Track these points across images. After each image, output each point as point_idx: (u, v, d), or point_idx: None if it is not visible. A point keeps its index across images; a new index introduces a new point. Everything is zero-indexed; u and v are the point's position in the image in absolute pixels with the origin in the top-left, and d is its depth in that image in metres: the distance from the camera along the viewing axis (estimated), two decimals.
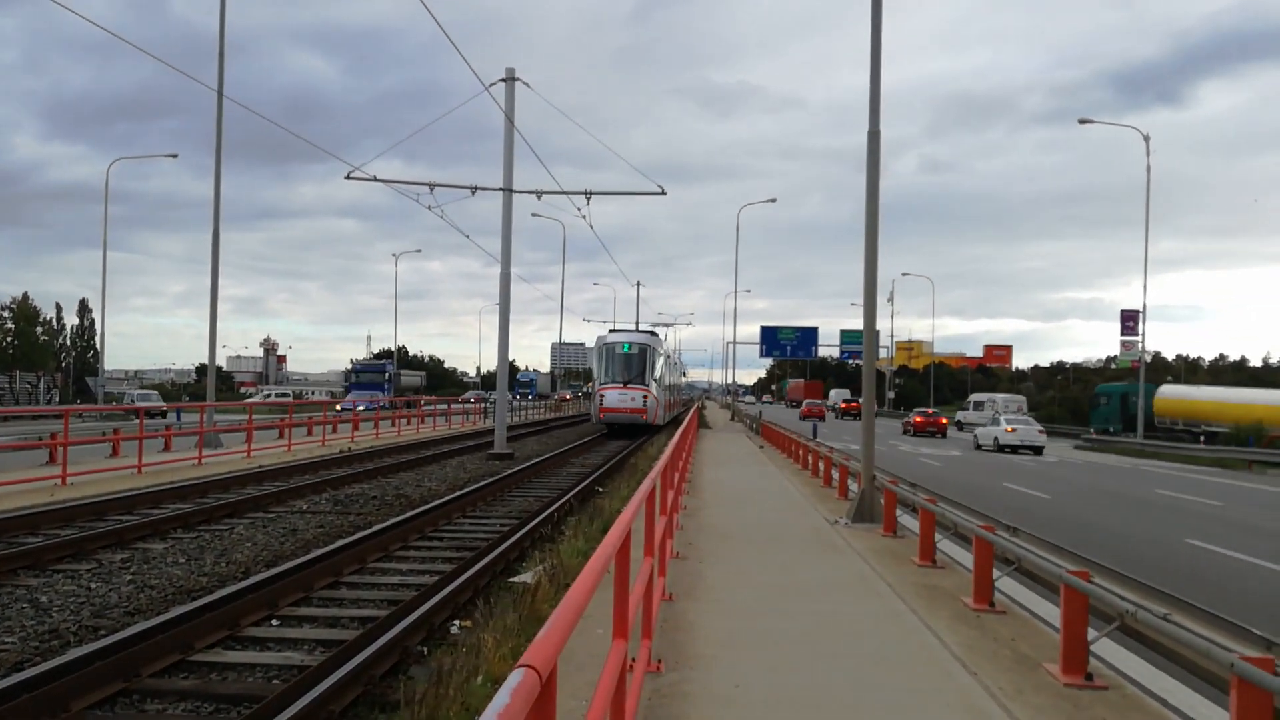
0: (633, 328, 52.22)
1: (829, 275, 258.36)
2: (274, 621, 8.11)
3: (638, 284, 77.63)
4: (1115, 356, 73.07)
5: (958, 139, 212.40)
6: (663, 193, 28.06)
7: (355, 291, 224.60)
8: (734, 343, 69.95)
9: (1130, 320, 50.64)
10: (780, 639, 7.37)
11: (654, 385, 38.64)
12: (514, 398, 59.83)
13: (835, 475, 18.85)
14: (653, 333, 43.99)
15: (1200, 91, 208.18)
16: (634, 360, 38.37)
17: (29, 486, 15.73)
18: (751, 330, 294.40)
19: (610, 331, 42.93)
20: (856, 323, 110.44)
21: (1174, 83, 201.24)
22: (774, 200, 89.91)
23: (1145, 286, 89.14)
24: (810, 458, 23.02)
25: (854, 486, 16.44)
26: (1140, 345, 50.24)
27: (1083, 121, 47.13)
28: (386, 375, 69.71)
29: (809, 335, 67.77)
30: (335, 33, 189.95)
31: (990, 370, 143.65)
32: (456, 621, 8.17)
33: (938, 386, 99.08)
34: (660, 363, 40.65)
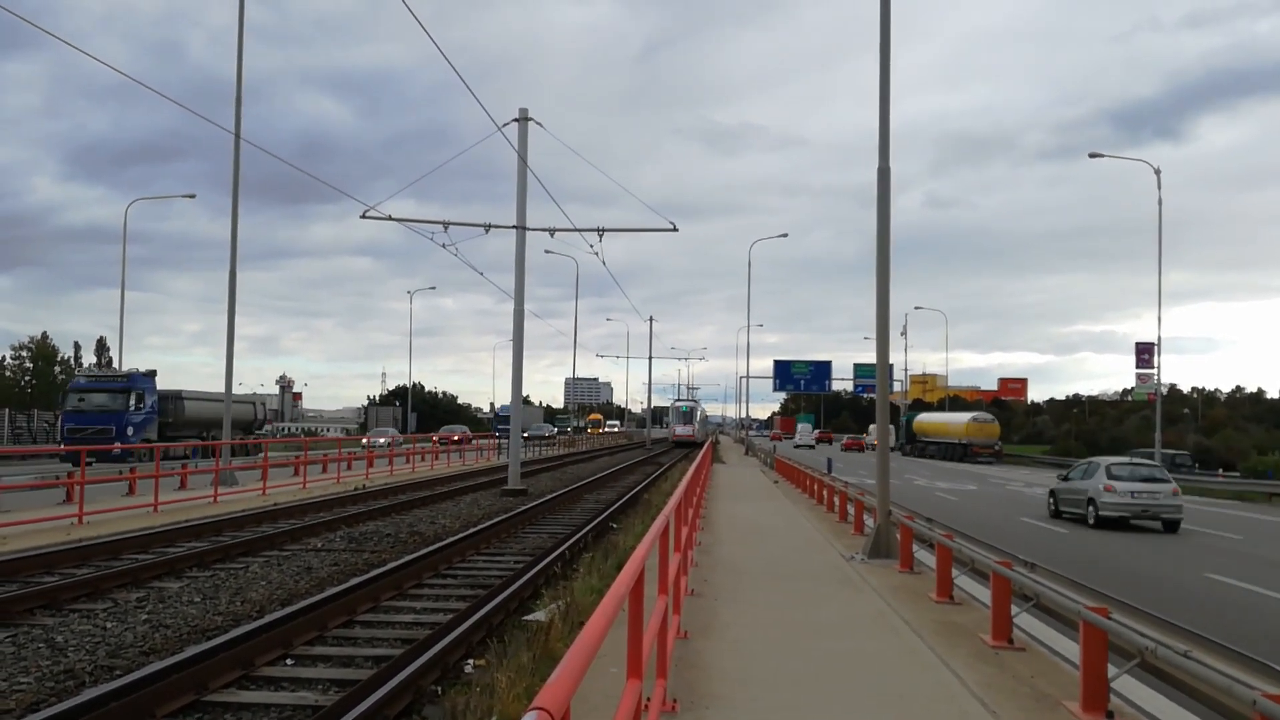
0: (686, 397, 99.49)
1: (838, 309, 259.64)
2: (288, 661, 8.10)
3: (650, 319, 78.02)
4: (1131, 389, 72.60)
5: (960, 175, 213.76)
6: (674, 229, 28.19)
7: (369, 329, 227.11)
8: (747, 377, 69.92)
9: (1145, 353, 50.37)
10: (797, 677, 7.31)
11: (696, 424, 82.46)
12: (495, 435, 59.08)
13: (851, 510, 18.74)
14: (695, 400, 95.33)
15: (1200, 128, 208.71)
16: (688, 413, 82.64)
17: (46, 525, 15.80)
18: (765, 364, 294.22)
19: (676, 400, 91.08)
20: (869, 357, 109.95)
21: (1172, 119, 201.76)
22: (785, 235, 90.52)
23: (1160, 319, 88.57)
24: (825, 492, 22.90)
25: (870, 522, 16.34)
26: (1156, 378, 49.94)
27: (1093, 156, 47.22)
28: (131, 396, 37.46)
29: (822, 369, 67.72)
30: (347, 76, 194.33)
31: (1005, 404, 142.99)
32: (470, 660, 8.13)
33: None
34: (698, 413, 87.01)
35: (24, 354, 70.23)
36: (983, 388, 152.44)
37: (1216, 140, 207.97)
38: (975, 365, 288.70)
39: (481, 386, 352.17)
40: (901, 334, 79.87)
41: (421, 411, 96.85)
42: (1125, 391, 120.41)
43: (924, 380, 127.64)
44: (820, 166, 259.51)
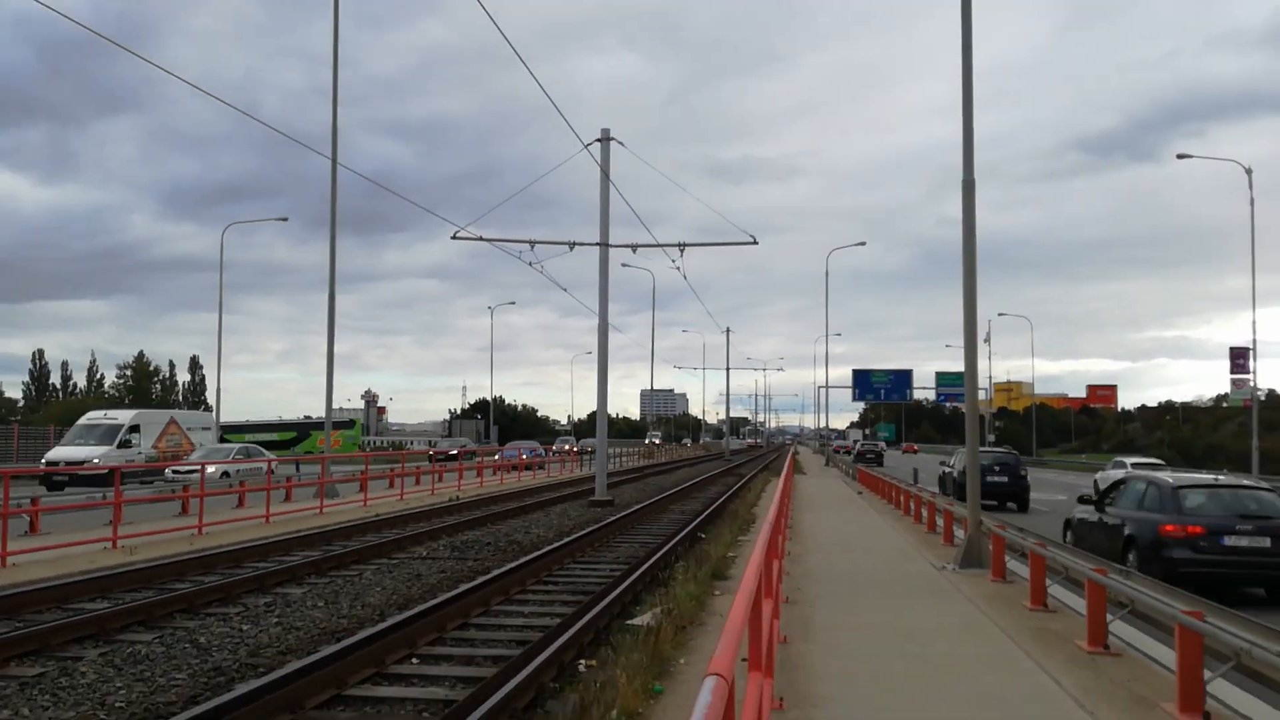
0: (744, 415, 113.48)
1: (899, 319, 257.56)
2: (414, 660, 8.69)
3: (727, 330, 78.21)
4: (1226, 394, 70.35)
5: (996, 189, 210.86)
6: (755, 242, 28.58)
7: (443, 345, 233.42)
8: (826, 387, 69.69)
9: (1240, 358, 48.91)
10: (896, 679, 7.63)
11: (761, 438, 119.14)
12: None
13: (939, 521, 18.84)
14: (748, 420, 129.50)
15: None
16: (754, 430, 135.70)
17: (170, 536, 16.85)
18: (838, 374, 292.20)
19: (735, 419, 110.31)
20: (941, 364, 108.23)
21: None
22: (863, 244, 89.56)
23: (1254, 322, 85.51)
24: (912, 503, 22.96)
25: (960, 532, 16.45)
26: (1252, 383, 48.49)
27: (1181, 156, 46.23)
28: None
29: (903, 378, 67.04)
30: (408, 124, 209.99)
31: (1094, 411, 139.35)
32: (582, 660, 8.62)
33: (1040, 428, 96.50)
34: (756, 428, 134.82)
35: (127, 373, 73.49)
36: (1069, 395, 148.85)
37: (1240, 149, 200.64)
38: (1049, 372, 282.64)
39: (556, 399, 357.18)
40: (985, 341, 78.75)
41: (502, 424, 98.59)
42: (1220, 397, 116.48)
43: (1009, 388, 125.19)
44: (852, 189, 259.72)
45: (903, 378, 67.54)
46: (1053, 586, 11.06)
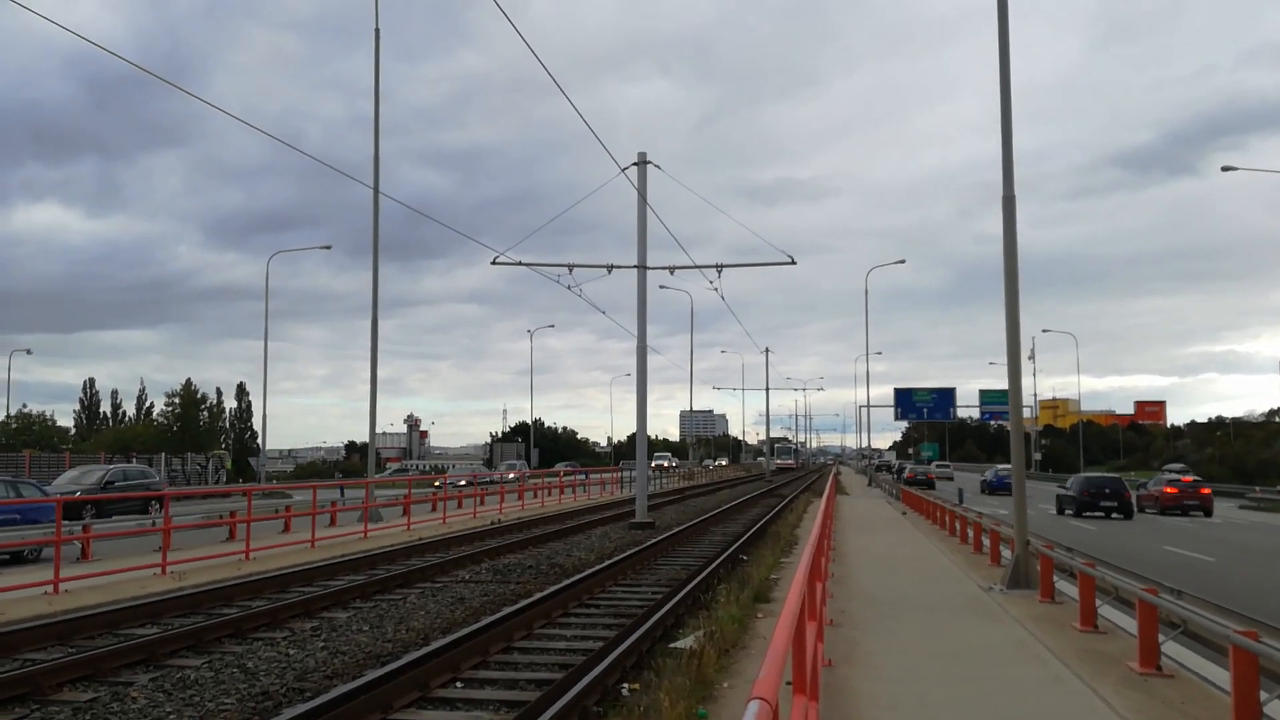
0: (783, 435, 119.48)
1: (939, 338, 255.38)
2: (458, 683, 8.72)
3: (766, 351, 78.06)
4: (1278, 409, 68.77)
5: (1045, 205, 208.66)
6: (793, 263, 28.52)
7: (482, 369, 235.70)
8: (868, 406, 69.22)
9: None
10: (943, 703, 7.53)
11: (794, 456, 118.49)
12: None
13: (985, 542, 18.59)
14: (788, 439, 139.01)
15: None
16: (786, 450, 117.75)
17: (217, 562, 17.08)
18: (878, 393, 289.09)
19: (775, 439, 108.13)
20: (984, 382, 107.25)
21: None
22: (903, 262, 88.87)
23: None
24: (958, 524, 22.68)
25: (1006, 553, 16.22)
26: None
27: (1226, 169, 45.49)
28: None
29: (946, 397, 66.32)
30: (446, 153, 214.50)
31: (1142, 428, 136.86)
32: (625, 684, 8.61)
33: (1087, 446, 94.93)
34: (792, 448, 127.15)
35: (175, 400, 74.70)
36: (1117, 411, 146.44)
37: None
38: (1095, 389, 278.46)
39: (595, 420, 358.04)
40: (1029, 358, 77.78)
41: (543, 447, 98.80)
42: (1273, 412, 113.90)
43: (1054, 405, 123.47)
44: (888, 208, 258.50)
45: (945, 396, 66.82)
46: (1103, 607, 10.88)
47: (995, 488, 52.54)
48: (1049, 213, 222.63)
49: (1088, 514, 35.22)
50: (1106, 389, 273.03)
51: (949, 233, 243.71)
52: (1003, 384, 63.41)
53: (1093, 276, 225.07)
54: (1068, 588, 12.75)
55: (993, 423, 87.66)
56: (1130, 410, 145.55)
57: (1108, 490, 35.84)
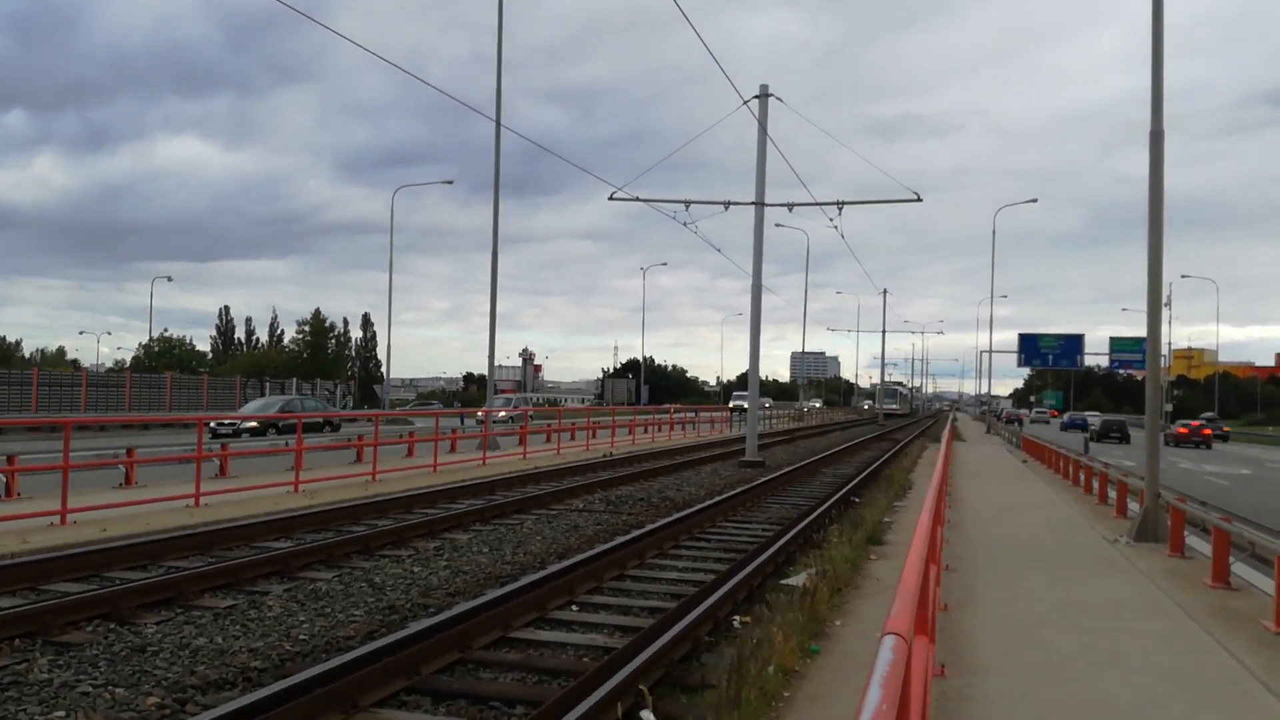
0: (893, 379, 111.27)
1: (1069, 282, 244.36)
2: (574, 607, 8.96)
3: (884, 291, 76.35)
4: None
5: (1189, 143, 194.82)
6: (919, 199, 27.64)
7: (594, 305, 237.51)
8: (990, 351, 67.15)
9: None
10: (1062, 653, 7.37)
11: (900, 399, 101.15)
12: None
13: (1112, 493, 17.97)
14: (899, 383, 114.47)
15: None
16: (893, 393, 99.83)
17: (346, 482, 17.85)
18: (1002, 337, 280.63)
19: (884, 383, 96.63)
20: (1114, 329, 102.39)
21: None
22: (1035, 201, 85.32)
23: None
24: (1082, 474, 21.97)
25: (1134, 505, 15.66)
26: None
27: None
28: None
29: (1073, 343, 63.69)
30: (563, 90, 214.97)
31: None
32: (736, 617, 8.69)
33: (1222, 398, 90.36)
34: (899, 392, 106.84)
35: (305, 329, 77.82)
36: (1257, 363, 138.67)
37: None
38: (1232, 339, 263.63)
39: (705, 359, 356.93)
40: (1166, 305, 73.98)
41: (653, 384, 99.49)
42: None
43: (1189, 355, 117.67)
44: (1019, 146, 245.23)
45: (1073, 343, 64.16)
46: (1236, 564, 10.43)
47: (1069, 427, 66.80)
48: (1193, 151, 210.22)
49: (1103, 441, 52.66)
50: (1246, 339, 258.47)
51: (1085, 172, 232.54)
52: (1134, 331, 60.20)
53: (1238, 220, 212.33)
54: (1198, 544, 12.25)
55: (1121, 371, 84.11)
56: (1271, 363, 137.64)
57: (1114, 427, 57.78)
